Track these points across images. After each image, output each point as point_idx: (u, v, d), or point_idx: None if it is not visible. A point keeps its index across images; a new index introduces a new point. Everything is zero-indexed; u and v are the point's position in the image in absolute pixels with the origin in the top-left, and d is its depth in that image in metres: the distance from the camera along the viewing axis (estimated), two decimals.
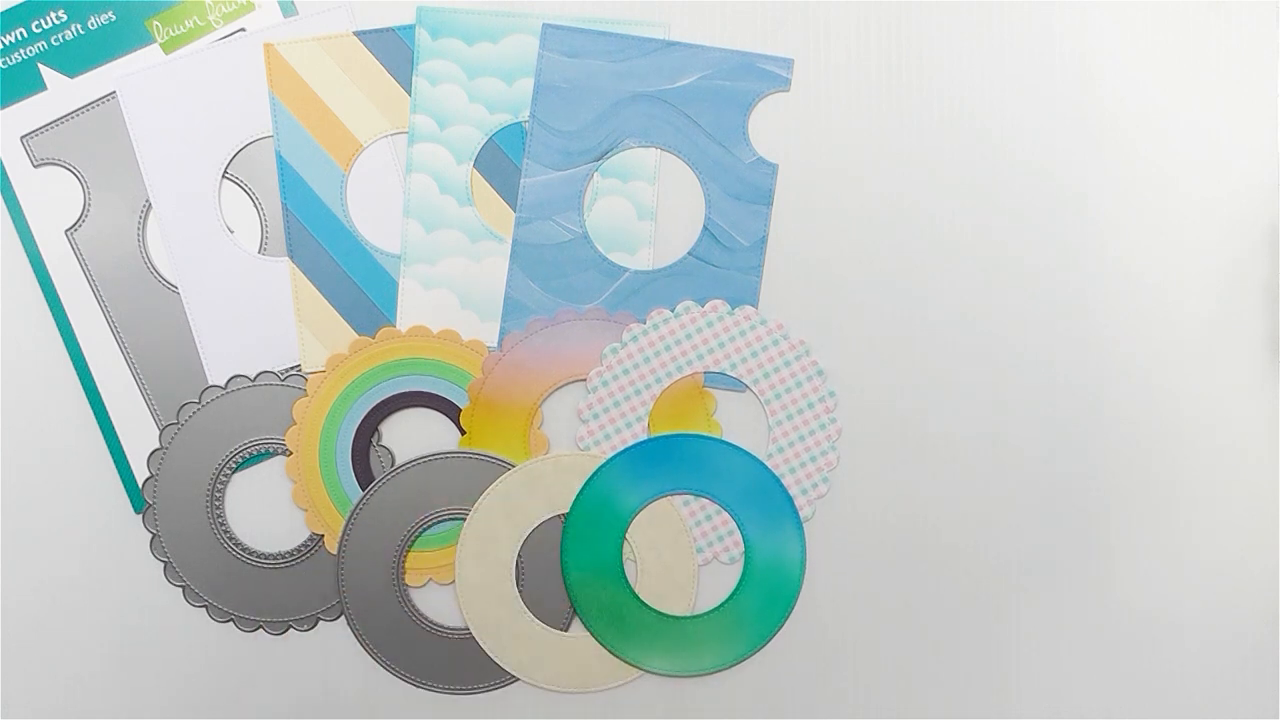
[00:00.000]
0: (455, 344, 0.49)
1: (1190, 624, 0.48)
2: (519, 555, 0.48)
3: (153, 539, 0.49)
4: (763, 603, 0.48)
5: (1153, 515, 0.49)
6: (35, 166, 0.49)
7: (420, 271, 0.49)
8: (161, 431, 0.49)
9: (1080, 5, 0.49)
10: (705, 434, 0.48)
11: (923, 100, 0.49)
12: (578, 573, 0.48)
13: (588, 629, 0.48)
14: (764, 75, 0.49)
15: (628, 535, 0.48)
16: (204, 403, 0.49)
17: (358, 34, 0.49)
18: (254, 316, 0.49)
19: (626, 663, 0.48)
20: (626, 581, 0.48)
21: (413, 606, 0.49)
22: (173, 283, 0.49)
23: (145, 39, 0.49)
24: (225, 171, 0.49)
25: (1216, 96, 0.49)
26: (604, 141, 0.49)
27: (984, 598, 0.49)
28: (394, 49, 0.49)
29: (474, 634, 0.48)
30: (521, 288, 0.49)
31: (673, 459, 0.48)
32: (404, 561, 0.48)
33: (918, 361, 0.49)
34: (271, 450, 0.49)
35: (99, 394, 0.49)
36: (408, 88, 0.49)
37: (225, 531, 0.49)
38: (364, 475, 0.49)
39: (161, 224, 0.49)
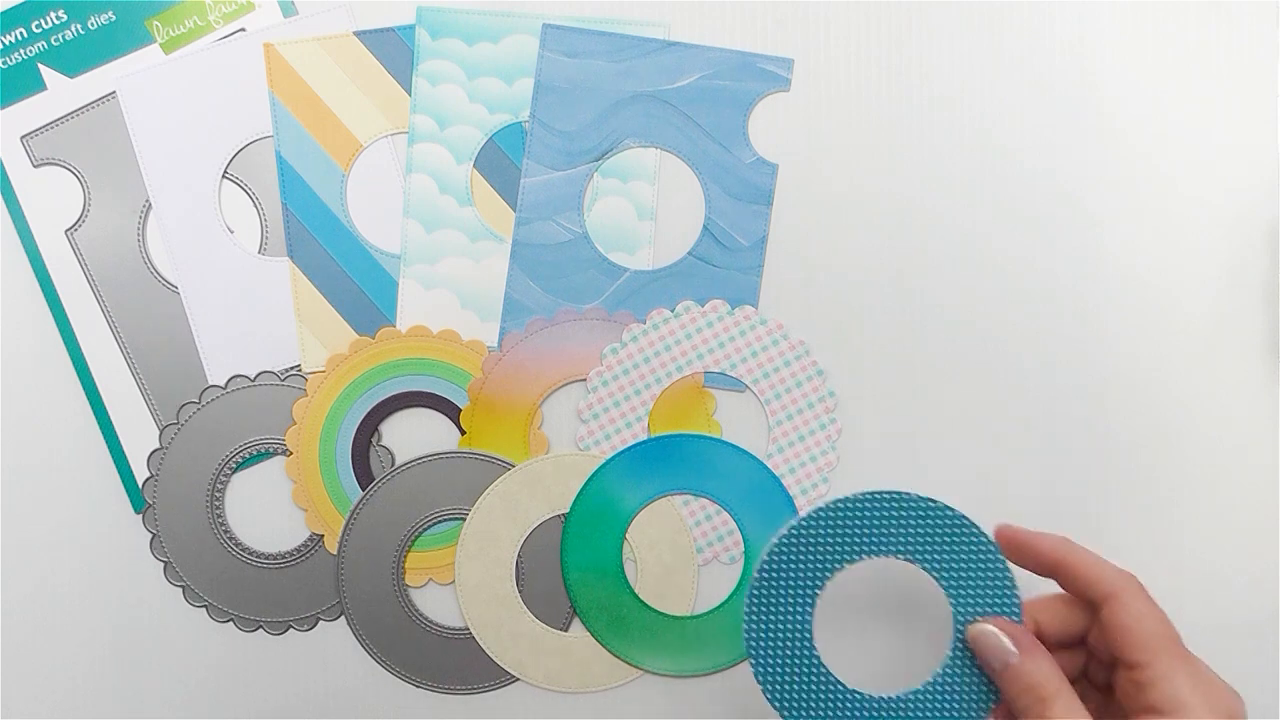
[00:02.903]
0: (455, 344, 0.49)
1: (1190, 624, 0.48)
2: (519, 555, 0.48)
3: (153, 539, 0.49)
4: None
5: (1153, 515, 0.49)
6: (35, 166, 0.49)
7: (420, 271, 0.49)
8: (161, 431, 0.49)
9: (1080, 6, 0.49)
10: (705, 434, 0.48)
11: (923, 100, 0.49)
12: (578, 573, 0.48)
13: (588, 629, 0.48)
14: (764, 75, 0.49)
15: (628, 535, 0.48)
16: (204, 403, 0.49)
17: (358, 34, 0.49)
18: (254, 316, 0.49)
19: (626, 663, 0.48)
20: (626, 581, 0.48)
21: (413, 606, 0.49)
22: (173, 283, 0.49)
23: (145, 39, 0.49)
24: (225, 171, 0.49)
25: (1216, 96, 0.49)
26: (604, 141, 0.49)
27: None
28: (394, 49, 0.49)
29: (474, 634, 0.48)
30: (521, 288, 0.49)
31: (673, 459, 0.48)
32: (404, 561, 0.48)
33: (917, 361, 0.49)
34: (271, 450, 0.49)
35: (99, 394, 0.49)
36: (408, 88, 0.49)
37: (225, 531, 0.49)
38: (364, 475, 0.49)
39: (161, 224, 0.49)
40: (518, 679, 0.48)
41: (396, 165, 0.49)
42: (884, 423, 0.49)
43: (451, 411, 0.49)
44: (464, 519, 0.48)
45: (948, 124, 0.49)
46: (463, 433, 0.49)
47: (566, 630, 0.48)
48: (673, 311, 0.48)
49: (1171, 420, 0.49)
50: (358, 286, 0.49)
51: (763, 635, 0.42)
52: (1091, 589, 0.39)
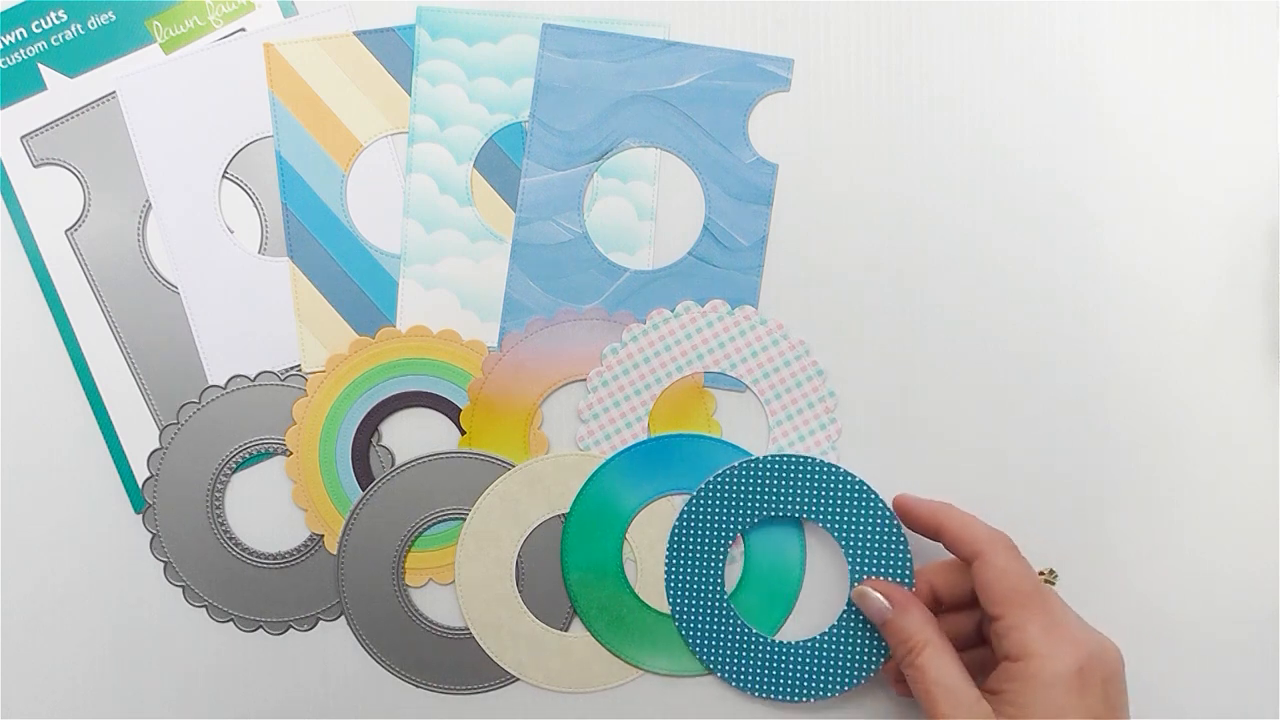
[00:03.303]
0: (455, 344, 0.49)
1: (1190, 624, 0.48)
2: (519, 555, 0.48)
3: (153, 539, 0.49)
4: (763, 602, 0.48)
5: (1153, 515, 0.49)
6: (35, 166, 0.49)
7: (420, 271, 0.49)
8: (161, 431, 0.49)
9: (1080, 6, 0.49)
10: (705, 434, 0.48)
11: (923, 100, 0.49)
12: (578, 573, 0.48)
13: (588, 629, 0.48)
14: (764, 75, 0.49)
15: (628, 535, 0.48)
16: (204, 403, 0.49)
17: (358, 34, 0.49)
18: (254, 316, 0.49)
19: (626, 663, 0.48)
20: (626, 581, 0.48)
21: (413, 606, 0.49)
22: (173, 283, 0.49)
23: (145, 39, 0.49)
24: (225, 171, 0.49)
25: (1216, 96, 0.49)
26: (604, 141, 0.49)
27: None
28: (394, 49, 0.49)
29: (474, 634, 0.48)
30: (521, 288, 0.49)
31: (673, 459, 0.48)
32: (404, 561, 0.48)
33: (917, 361, 0.49)
34: (271, 450, 0.49)
35: (99, 394, 0.49)
36: (408, 88, 0.49)
37: (225, 531, 0.49)
38: (364, 475, 0.49)
39: (161, 224, 0.49)
40: (518, 679, 0.48)
41: (396, 165, 0.49)
42: (884, 423, 0.49)
43: (451, 411, 0.49)
44: (464, 519, 0.48)
45: (948, 124, 0.49)
46: (463, 433, 0.49)
47: (566, 630, 0.48)
48: (673, 311, 0.48)
49: (1171, 420, 0.49)
50: (358, 286, 0.49)
51: (680, 583, 0.47)
52: (964, 548, 0.43)
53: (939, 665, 0.41)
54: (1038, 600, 0.41)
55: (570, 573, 0.48)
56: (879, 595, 0.44)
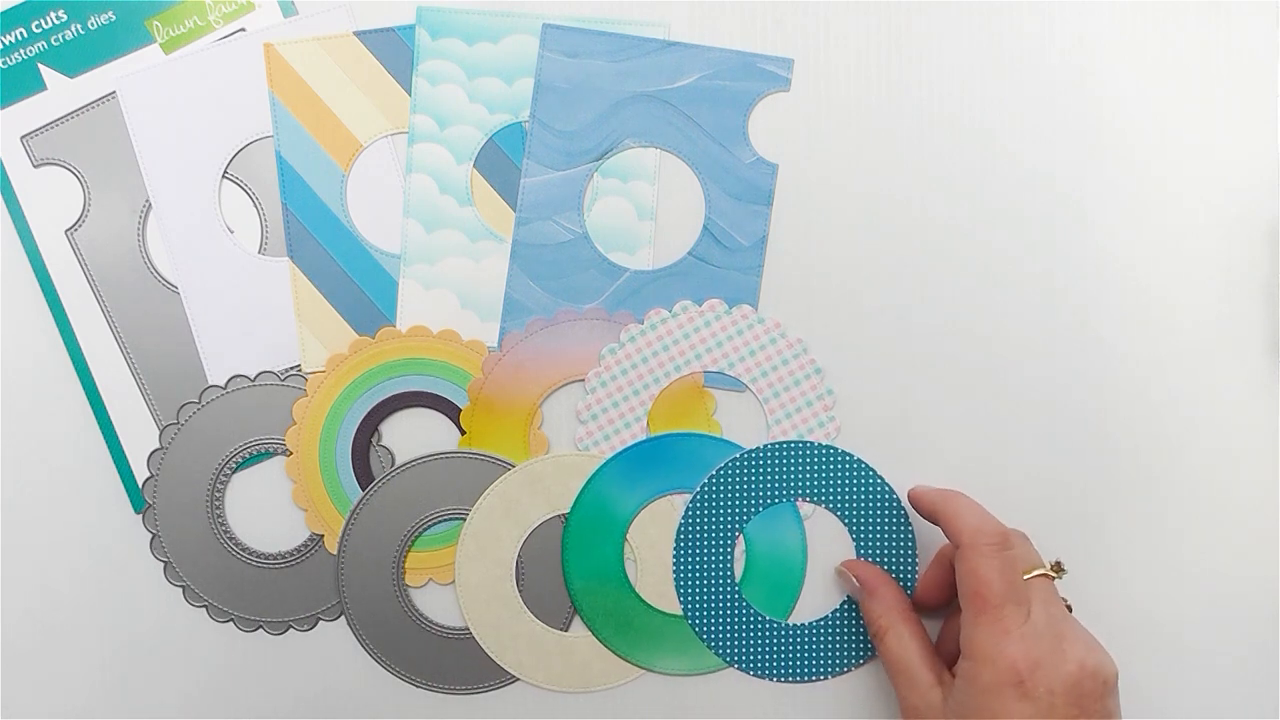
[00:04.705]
0: (455, 344, 0.49)
1: (1190, 624, 0.48)
2: (519, 555, 0.48)
3: (153, 539, 0.49)
4: (771, 589, 0.48)
5: (1153, 516, 0.49)
6: (35, 166, 0.49)
7: (420, 271, 0.49)
8: (161, 431, 0.49)
9: (1080, 6, 0.49)
10: (704, 433, 0.48)
11: (922, 100, 0.49)
12: (581, 580, 0.48)
13: (595, 635, 0.48)
14: (764, 75, 0.49)
15: (629, 535, 0.48)
16: (204, 403, 0.49)
17: (358, 34, 0.49)
18: (254, 316, 0.49)
19: (636, 665, 0.48)
20: (630, 586, 0.48)
21: (413, 606, 0.49)
22: (173, 283, 0.49)
23: (145, 39, 0.49)
24: (225, 171, 0.49)
25: (1216, 96, 0.49)
26: (604, 141, 0.49)
27: None
28: (394, 49, 0.49)
29: (474, 634, 0.48)
30: (521, 288, 0.49)
31: (672, 459, 0.48)
32: (404, 561, 0.48)
33: (916, 360, 0.49)
34: (271, 450, 0.49)
35: (99, 394, 0.49)
36: (408, 88, 0.49)
37: (225, 531, 0.49)
38: (364, 475, 0.49)
39: (161, 224, 0.49)
40: (518, 679, 0.48)
41: (396, 165, 0.49)
42: (882, 421, 0.49)
43: (451, 411, 0.49)
44: (464, 519, 0.48)
45: (947, 124, 0.49)
46: (463, 433, 0.49)
47: (566, 630, 0.48)
48: (670, 311, 0.48)
49: (1171, 421, 0.49)
50: (358, 286, 0.49)
51: (691, 579, 0.48)
52: (953, 539, 0.43)
53: (900, 648, 0.43)
54: (995, 608, 0.40)
55: (573, 580, 0.48)
56: (851, 576, 0.46)
